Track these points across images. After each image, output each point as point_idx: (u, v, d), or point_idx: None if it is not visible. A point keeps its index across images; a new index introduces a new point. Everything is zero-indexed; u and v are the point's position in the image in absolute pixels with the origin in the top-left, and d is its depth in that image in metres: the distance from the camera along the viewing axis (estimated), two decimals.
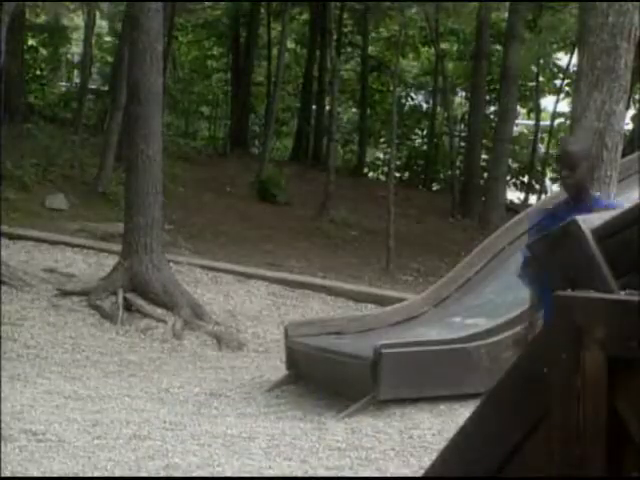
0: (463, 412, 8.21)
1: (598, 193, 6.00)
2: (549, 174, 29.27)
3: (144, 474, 6.58)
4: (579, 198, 5.74)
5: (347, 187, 22.23)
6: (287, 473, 6.49)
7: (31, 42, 28.94)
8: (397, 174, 26.70)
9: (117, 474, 6.59)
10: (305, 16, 29.33)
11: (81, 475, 6.55)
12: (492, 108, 26.69)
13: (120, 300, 12.23)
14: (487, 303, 10.32)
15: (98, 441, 7.41)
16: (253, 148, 28.56)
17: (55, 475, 6.45)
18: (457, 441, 2.62)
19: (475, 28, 24.66)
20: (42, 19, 28.48)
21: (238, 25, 29.02)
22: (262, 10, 28.72)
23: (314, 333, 9.79)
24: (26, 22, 25.42)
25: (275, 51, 27.37)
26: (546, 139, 28.74)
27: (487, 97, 25.81)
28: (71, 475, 6.51)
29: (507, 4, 23.49)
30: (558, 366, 2.98)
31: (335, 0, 26.12)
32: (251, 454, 7.06)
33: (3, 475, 5.89)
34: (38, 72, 30.19)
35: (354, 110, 30.52)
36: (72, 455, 6.93)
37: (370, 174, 29.18)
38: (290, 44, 29.02)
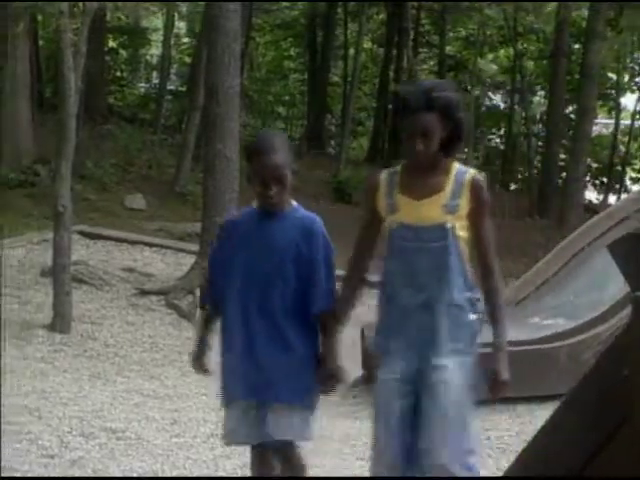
0: (541, 414, 8.11)
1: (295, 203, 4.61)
2: (630, 174, 28.91)
3: (221, 473, 6.61)
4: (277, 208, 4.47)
5: None
6: (359, 473, 6.48)
7: (112, 44, 29.23)
8: None
9: (195, 473, 6.63)
10: (382, 16, 29.27)
11: (160, 474, 6.60)
12: (571, 107, 26.41)
13: (197, 299, 12.31)
14: (566, 304, 10.21)
15: (176, 439, 7.46)
16: (329, 148, 28.60)
17: (135, 475, 6.51)
18: (537, 442, 2.60)
19: (555, 27, 24.39)
20: (122, 21, 28.75)
21: (315, 25, 29.05)
22: (339, 10, 28.72)
23: None
24: (107, 24, 25.68)
25: (351, 51, 27.35)
26: (626, 138, 28.38)
27: (566, 96, 25.50)
28: (150, 474, 6.56)
29: (587, 3, 23.22)
30: (638, 367, 2.94)
31: (412, 0, 26.04)
32: (326, 453, 7.06)
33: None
34: (118, 73, 30.53)
35: None
36: (151, 453, 6.98)
37: None
38: (366, 44, 29.00)
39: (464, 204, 4.33)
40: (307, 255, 4.48)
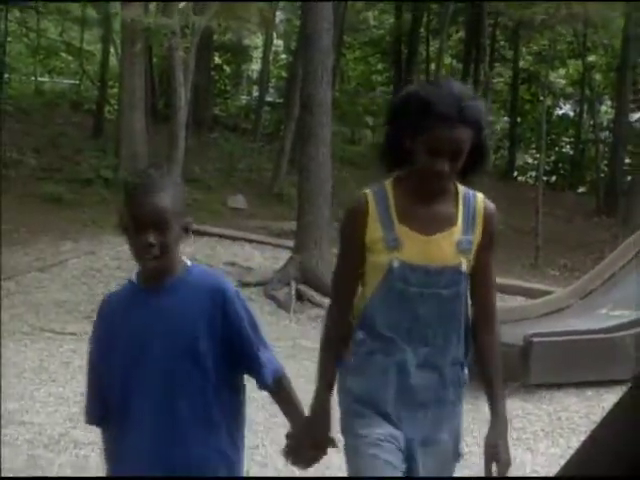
0: (609, 397, 8.01)
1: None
2: None
3: None
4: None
5: (498, 189, 21.95)
6: None
7: (217, 60, 29.45)
8: (545, 178, 26.23)
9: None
10: (461, 33, 29.07)
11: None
12: (636, 115, 25.95)
13: (293, 291, 12.34)
14: (631, 296, 10.03)
15: (275, 419, 7.47)
16: None
17: None
18: (605, 423, 2.54)
19: (622, 41, 24.04)
20: (227, 40, 28.94)
21: (400, 43, 28.96)
22: (422, 29, 28.61)
23: None
24: (213, 43, 25.87)
25: (433, 66, 27.22)
26: None
27: (632, 105, 25.11)
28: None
29: None
30: None
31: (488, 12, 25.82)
32: None
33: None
34: (223, 87, 30.74)
35: (505, 119, 30.10)
36: (254, 431, 6.99)
37: (519, 178, 28.73)
38: (446, 59, 28.80)
39: (477, 239, 3.23)
40: (228, 327, 3.10)
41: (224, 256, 14.27)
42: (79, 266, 13.40)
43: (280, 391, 3.30)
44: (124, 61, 19.71)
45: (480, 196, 3.28)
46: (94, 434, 6.61)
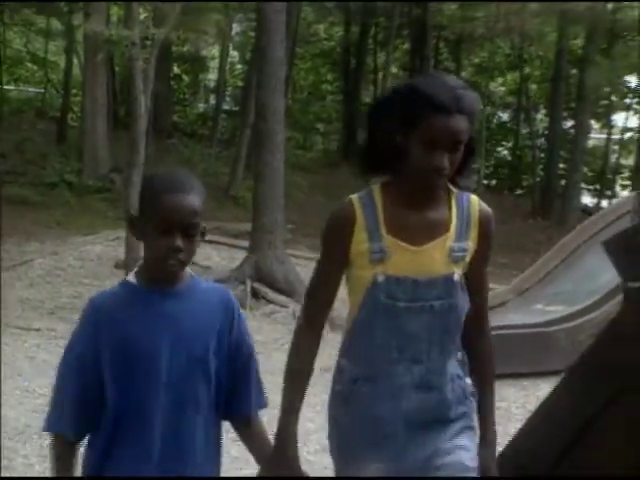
0: (544, 387, 8.07)
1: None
2: (620, 181, 28.66)
3: None
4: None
5: None
6: None
7: (176, 70, 29.32)
8: (485, 181, 26.44)
9: None
10: (406, 45, 29.18)
11: None
12: (569, 123, 26.21)
13: (248, 289, 12.32)
14: (565, 293, 10.15)
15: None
16: None
17: None
18: (540, 412, 2.57)
19: (555, 54, 24.31)
20: (185, 51, 28.82)
21: (349, 54, 29.01)
22: (369, 41, 28.69)
23: None
24: (172, 54, 25.75)
25: (380, 76, 27.28)
26: (617, 151, 28.17)
27: (565, 114, 25.39)
28: None
29: (583, 35, 23.08)
30: (629, 349, 2.91)
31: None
32: None
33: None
34: (181, 95, 30.60)
35: None
36: None
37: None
38: (393, 70, 28.87)
39: (471, 246, 2.79)
40: (234, 344, 2.80)
41: None
42: (44, 266, 13.29)
43: (256, 426, 2.87)
44: (87, 71, 19.59)
45: (475, 198, 2.82)
46: None
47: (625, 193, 25.74)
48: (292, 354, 2.93)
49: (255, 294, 12.34)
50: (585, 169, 25.58)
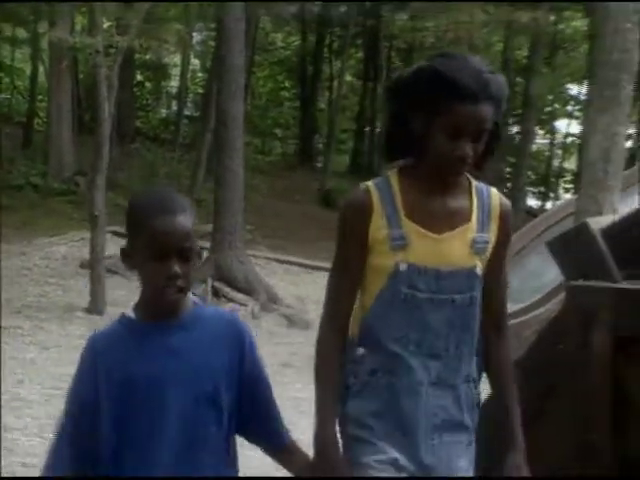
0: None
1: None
2: (562, 185, 28.95)
3: None
4: None
5: None
6: None
7: (139, 77, 29.18)
8: None
9: None
10: (360, 54, 29.26)
11: None
12: (515, 129, 26.44)
13: (209, 287, 12.30)
14: (511, 290, 10.21)
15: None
16: (317, 163, 28.53)
17: None
18: (487, 406, 2.59)
19: (501, 64, 24.51)
20: (148, 59, 28.68)
21: (305, 62, 29.04)
22: (325, 50, 28.73)
23: None
24: (135, 62, 25.61)
25: (335, 83, 27.34)
26: (560, 155, 28.45)
27: (511, 120, 25.61)
28: None
29: (527, 45, 23.29)
30: (570, 343, 2.94)
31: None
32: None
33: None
34: (144, 101, 30.45)
35: None
36: None
37: None
38: (348, 77, 28.95)
39: (492, 238, 2.51)
40: (246, 377, 2.43)
41: None
42: (11, 265, 13.16)
43: (295, 450, 2.55)
44: (52, 77, 19.43)
45: (494, 191, 2.56)
46: (23, 420, 6.54)
47: (568, 196, 25.99)
48: (320, 362, 2.58)
49: (216, 293, 12.31)
50: (530, 173, 25.82)
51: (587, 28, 21.07)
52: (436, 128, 2.37)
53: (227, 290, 12.35)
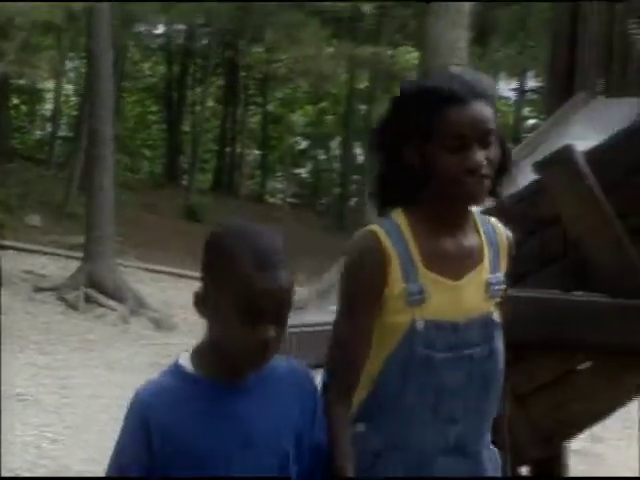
0: None
1: None
2: None
3: (99, 425, 6.50)
4: None
5: (251, 210, 22.22)
6: None
7: (15, 101, 28.38)
8: (290, 199, 26.89)
9: (78, 423, 6.51)
10: (221, 82, 29.25)
11: (52, 427, 6.44)
12: (359, 151, 26.95)
13: (82, 294, 12.11)
14: None
15: (65, 400, 7.31)
16: (182, 181, 28.31)
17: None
18: None
19: (347, 90, 24.98)
20: (23, 83, 27.91)
21: (171, 89, 28.84)
22: (189, 77, 28.64)
23: None
24: (10, 85, 24.88)
25: (198, 108, 27.24)
26: None
27: (356, 142, 26.13)
28: (44, 427, 6.38)
29: (366, 76, 23.78)
30: None
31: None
32: None
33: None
34: (20, 123, 29.63)
35: (257, 152, 30.48)
36: (44, 410, 6.82)
37: (271, 199, 29.14)
38: (210, 103, 28.86)
39: (502, 278, 2.01)
40: (314, 442, 1.90)
41: (23, 266, 13.79)
42: None
43: None
44: None
45: (495, 221, 2.04)
46: None
47: None
48: (331, 426, 1.91)
49: (88, 299, 12.12)
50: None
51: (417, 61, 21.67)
52: (435, 148, 1.88)
53: (98, 296, 12.18)
